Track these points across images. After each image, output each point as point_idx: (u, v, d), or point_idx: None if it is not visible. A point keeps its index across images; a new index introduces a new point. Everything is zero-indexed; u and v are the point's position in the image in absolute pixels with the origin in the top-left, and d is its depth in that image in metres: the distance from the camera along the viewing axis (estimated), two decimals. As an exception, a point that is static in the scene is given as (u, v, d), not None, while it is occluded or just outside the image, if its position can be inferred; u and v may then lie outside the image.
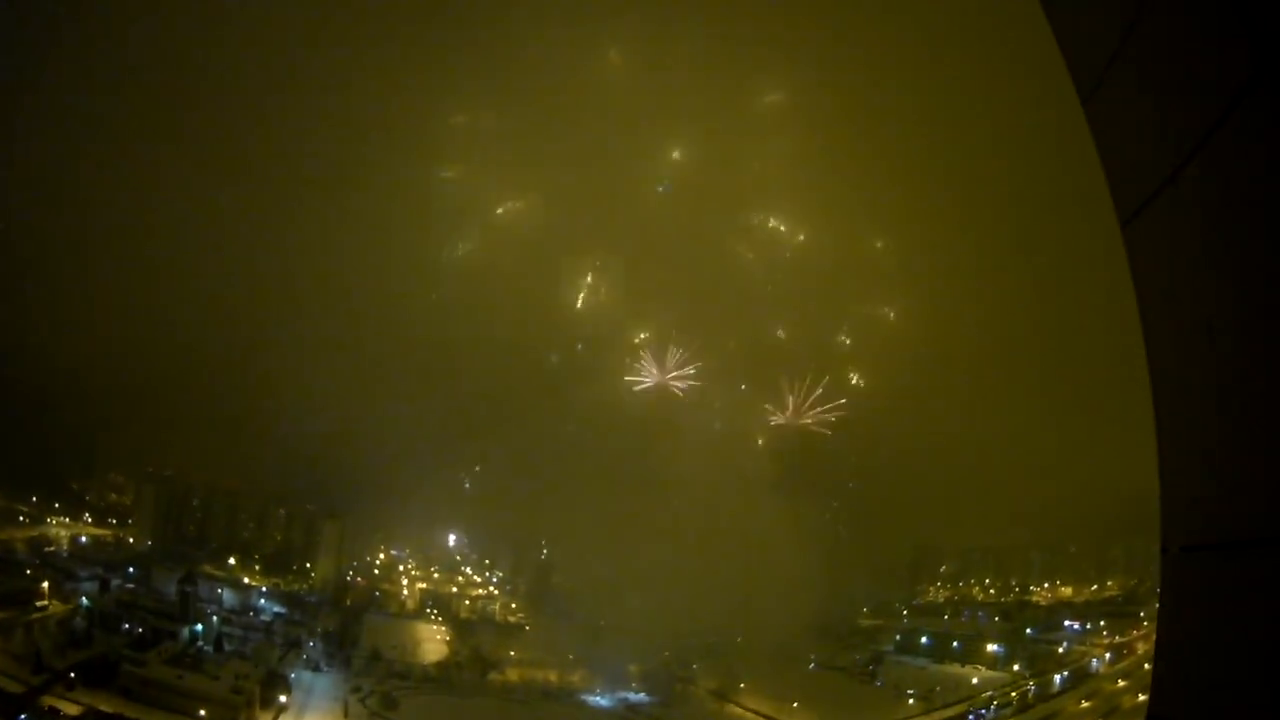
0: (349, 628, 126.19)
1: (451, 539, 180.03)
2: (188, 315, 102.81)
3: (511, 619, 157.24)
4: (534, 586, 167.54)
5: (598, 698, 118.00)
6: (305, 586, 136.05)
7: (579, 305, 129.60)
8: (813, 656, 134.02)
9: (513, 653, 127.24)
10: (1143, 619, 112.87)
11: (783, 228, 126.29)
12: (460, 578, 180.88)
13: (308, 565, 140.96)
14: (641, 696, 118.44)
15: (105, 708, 67.16)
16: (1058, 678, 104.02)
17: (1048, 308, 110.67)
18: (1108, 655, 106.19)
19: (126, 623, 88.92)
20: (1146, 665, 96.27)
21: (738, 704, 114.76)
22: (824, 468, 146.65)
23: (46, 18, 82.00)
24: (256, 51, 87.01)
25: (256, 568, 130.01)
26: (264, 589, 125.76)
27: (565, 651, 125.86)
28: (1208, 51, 3.38)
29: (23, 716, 60.49)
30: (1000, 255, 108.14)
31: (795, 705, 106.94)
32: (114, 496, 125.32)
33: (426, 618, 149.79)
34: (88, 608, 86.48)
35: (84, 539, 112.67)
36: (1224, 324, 3.40)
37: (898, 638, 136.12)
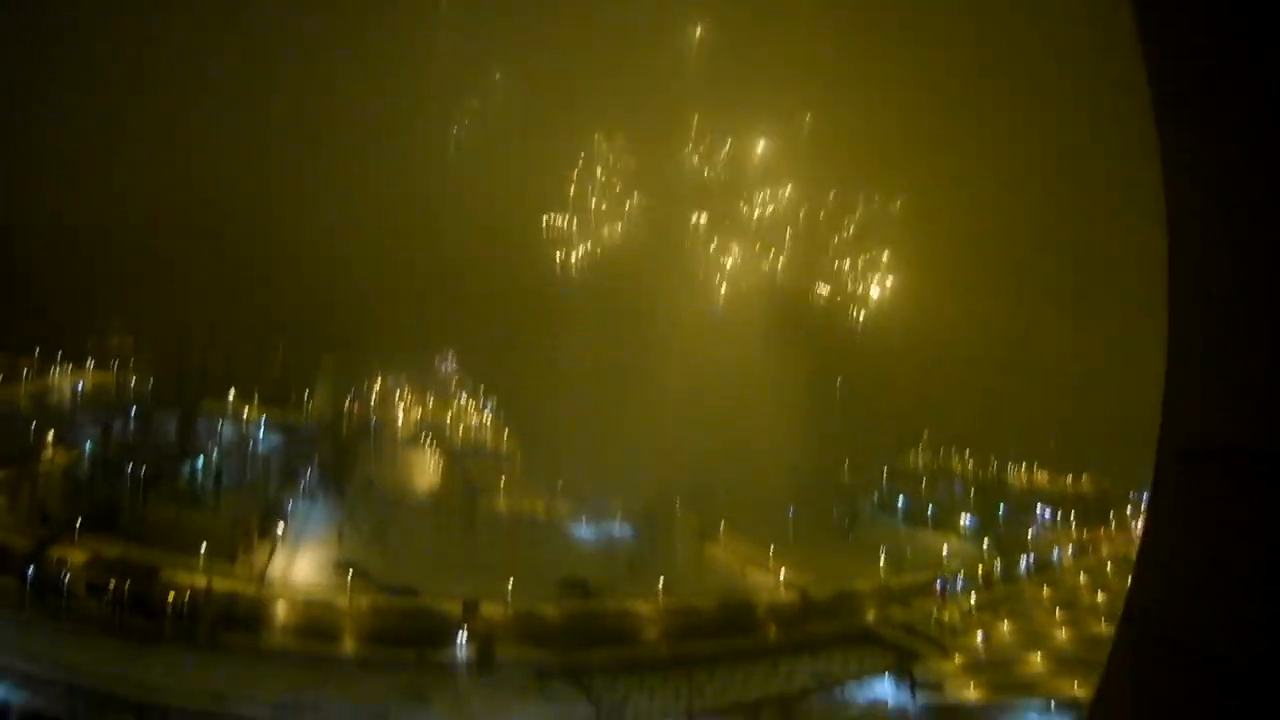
0: (345, 458, 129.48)
1: (446, 370, 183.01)
2: (185, 160, 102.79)
3: (503, 448, 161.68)
4: (526, 418, 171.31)
5: (583, 530, 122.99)
6: (302, 418, 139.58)
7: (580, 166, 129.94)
8: (792, 507, 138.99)
9: (503, 481, 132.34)
10: (1111, 522, 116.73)
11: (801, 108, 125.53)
12: (454, 408, 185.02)
13: (305, 397, 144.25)
14: (625, 531, 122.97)
15: (110, 552, 70.19)
16: (1023, 561, 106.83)
17: (1063, 207, 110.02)
18: (1071, 549, 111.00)
19: (129, 464, 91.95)
20: (1109, 566, 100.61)
21: (717, 547, 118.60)
22: (820, 332, 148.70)
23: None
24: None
25: (255, 402, 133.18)
26: (262, 422, 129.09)
27: (554, 482, 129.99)
28: None
29: (31, 569, 63.16)
30: (1013, 143, 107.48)
31: (771, 552, 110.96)
32: (114, 342, 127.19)
33: (420, 446, 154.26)
34: (90, 455, 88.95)
35: (87, 387, 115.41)
36: (1249, 233, 3.46)
37: (875, 498, 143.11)
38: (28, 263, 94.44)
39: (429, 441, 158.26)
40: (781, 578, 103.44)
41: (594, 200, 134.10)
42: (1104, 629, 79.33)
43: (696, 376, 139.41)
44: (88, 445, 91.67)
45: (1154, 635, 3.63)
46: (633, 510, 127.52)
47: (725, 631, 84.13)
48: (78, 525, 73.42)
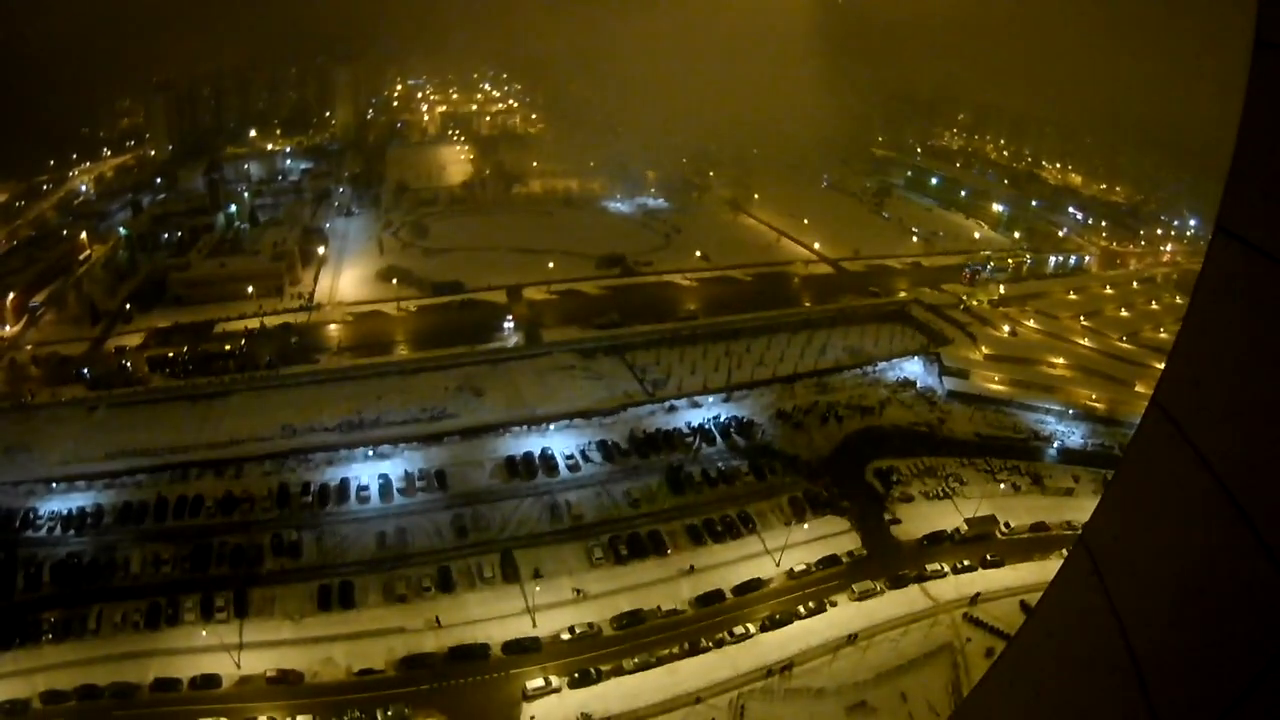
0: (374, 166, 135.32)
1: (466, 60, 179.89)
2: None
3: (532, 130, 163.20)
4: (552, 97, 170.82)
5: (618, 203, 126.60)
6: (327, 136, 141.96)
7: None
8: (826, 177, 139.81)
9: (535, 164, 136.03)
10: (1141, 237, 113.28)
11: None
12: (479, 95, 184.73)
13: (327, 116, 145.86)
14: (660, 202, 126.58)
15: (162, 323, 76.05)
16: (1052, 260, 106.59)
17: None
18: (1100, 257, 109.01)
19: (165, 233, 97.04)
20: (1134, 283, 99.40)
21: (750, 214, 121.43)
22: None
23: None
24: None
25: (278, 132, 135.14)
26: (288, 150, 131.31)
27: (585, 160, 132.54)
28: None
29: (94, 369, 66.44)
30: None
31: (805, 222, 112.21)
32: (126, 122, 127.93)
33: (449, 140, 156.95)
34: (126, 236, 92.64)
35: (108, 175, 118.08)
36: None
37: (909, 174, 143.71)
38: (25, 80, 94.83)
39: (456, 134, 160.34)
40: (815, 247, 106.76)
41: None
42: (1125, 347, 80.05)
43: (728, 44, 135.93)
44: (121, 230, 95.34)
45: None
46: (667, 182, 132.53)
47: (761, 304, 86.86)
48: (127, 309, 78.93)
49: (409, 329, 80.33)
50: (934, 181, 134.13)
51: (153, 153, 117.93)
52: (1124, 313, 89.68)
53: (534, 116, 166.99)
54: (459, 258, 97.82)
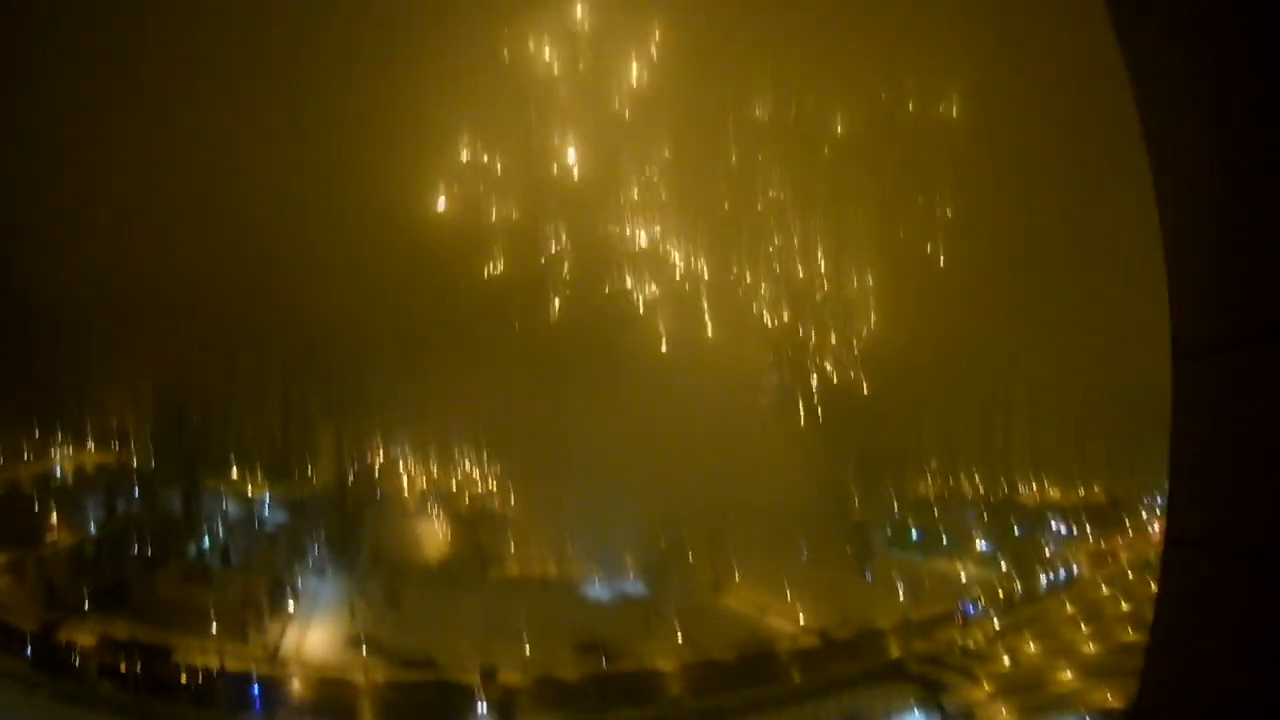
0: (351, 530, 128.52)
1: (448, 434, 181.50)
2: (176, 230, 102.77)
3: (510, 513, 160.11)
4: (531, 478, 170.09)
5: (597, 589, 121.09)
6: (306, 492, 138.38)
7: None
8: (805, 548, 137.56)
9: (513, 546, 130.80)
10: (1128, 528, 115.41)
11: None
12: (459, 472, 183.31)
13: (307, 470, 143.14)
14: (639, 587, 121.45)
15: (119, 633, 69.10)
16: (1043, 579, 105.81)
17: (1041, 211, 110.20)
18: (1090, 560, 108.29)
19: (135, 546, 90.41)
20: (1130, 574, 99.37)
21: (732, 595, 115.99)
22: (814, 363, 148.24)
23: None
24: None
25: (258, 477, 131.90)
26: (266, 498, 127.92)
27: (564, 545, 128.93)
28: None
29: (41, 651, 62.81)
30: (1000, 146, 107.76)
31: (788, 598, 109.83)
32: (114, 421, 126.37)
33: (426, 514, 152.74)
34: (95, 535, 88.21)
35: (88, 467, 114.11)
36: (1225, 112, 3.42)
37: (888, 531, 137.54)
38: (25, 339, 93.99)
39: (435, 509, 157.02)
40: (800, 620, 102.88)
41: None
42: (1132, 636, 78.84)
43: (693, 420, 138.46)
44: (92, 525, 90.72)
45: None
46: (645, 564, 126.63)
47: (748, 681, 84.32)
48: (86, 605, 72.46)
49: (375, 702, 76.51)
50: (913, 535, 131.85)
51: (134, 461, 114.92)
52: (1124, 605, 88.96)
53: (513, 501, 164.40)
54: (433, 633, 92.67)
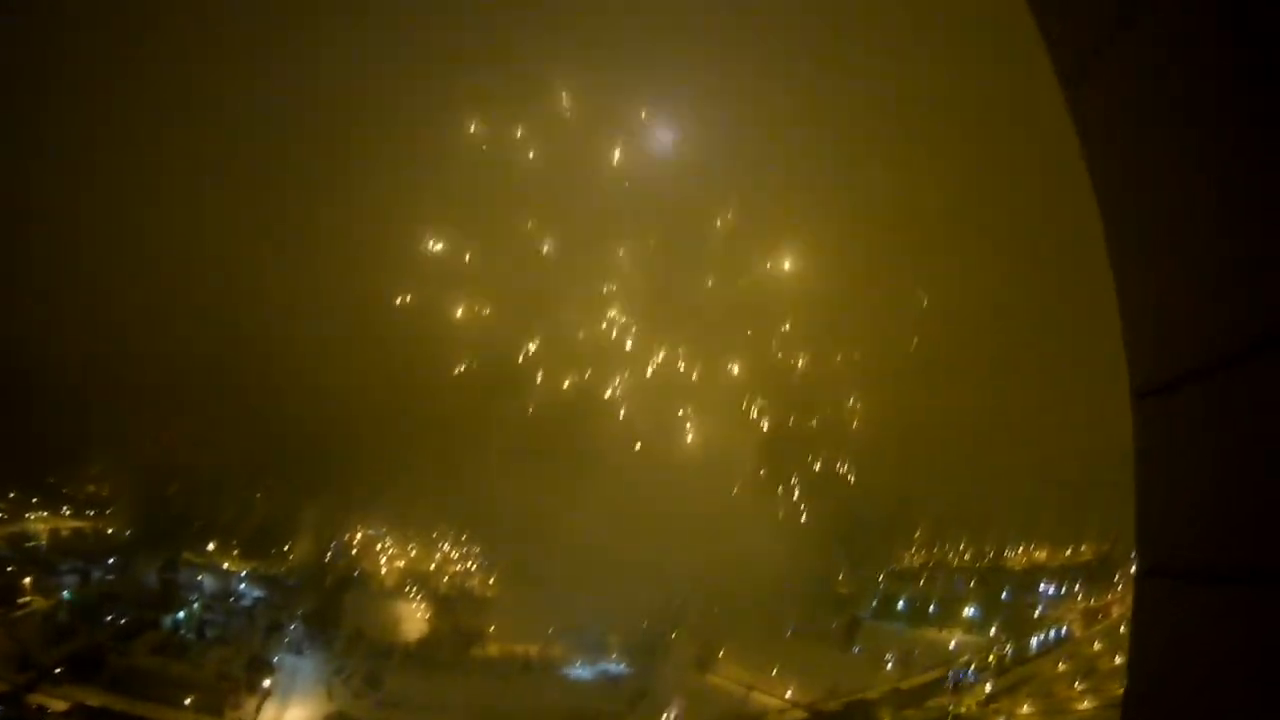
0: (330, 608, 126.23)
1: (428, 517, 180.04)
2: (160, 303, 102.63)
3: (490, 593, 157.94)
4: (512, 560, 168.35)
5: (579, 670, 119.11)
6: (285, 569, 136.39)
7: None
8: (791, 623, 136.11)
9: (493, 627, 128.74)
10: (1117, 583, 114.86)
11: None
12: (438, 554, 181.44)
13: (286, 548, 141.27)
14: (622, 668, 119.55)
15: (92, 701, 67.23)
16: (1034, 640, 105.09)
17: (1023, 277, 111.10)
18: (1082, 618, 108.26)
19: (109, 614, 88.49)
20: (1122, 629, 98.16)
21: (718, 673, 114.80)
22: (793, 438, 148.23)
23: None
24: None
25: (236, 552, 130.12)
26: (244, 573, 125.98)
27: (545, 625, 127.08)
28: None
29: (11, 715, 60.94)
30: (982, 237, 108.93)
31: (774, 673, 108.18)
32: (92, 488, 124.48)
33: (406, 595, 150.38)
34: (70, 601, 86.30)
35: (63, 532, 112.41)
36: (1175, 174, 3.59)
37: (874, 603, 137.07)
38: (4, 404, 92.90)
39: (414, 590, 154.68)
40: (788, 695, 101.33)
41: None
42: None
43: (674, 501, 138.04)
44: (66, 593, 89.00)
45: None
46: (628, 644, 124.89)
47: None
48: (58, 670, 70.55)
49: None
50: (900, 605, 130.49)
51: (111, 530, 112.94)
52: (1118, 659, 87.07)
53: (493, 580, 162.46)
54: (413, 713, 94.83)
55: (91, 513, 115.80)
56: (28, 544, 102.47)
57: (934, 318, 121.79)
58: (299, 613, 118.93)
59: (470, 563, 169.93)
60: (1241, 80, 3.16)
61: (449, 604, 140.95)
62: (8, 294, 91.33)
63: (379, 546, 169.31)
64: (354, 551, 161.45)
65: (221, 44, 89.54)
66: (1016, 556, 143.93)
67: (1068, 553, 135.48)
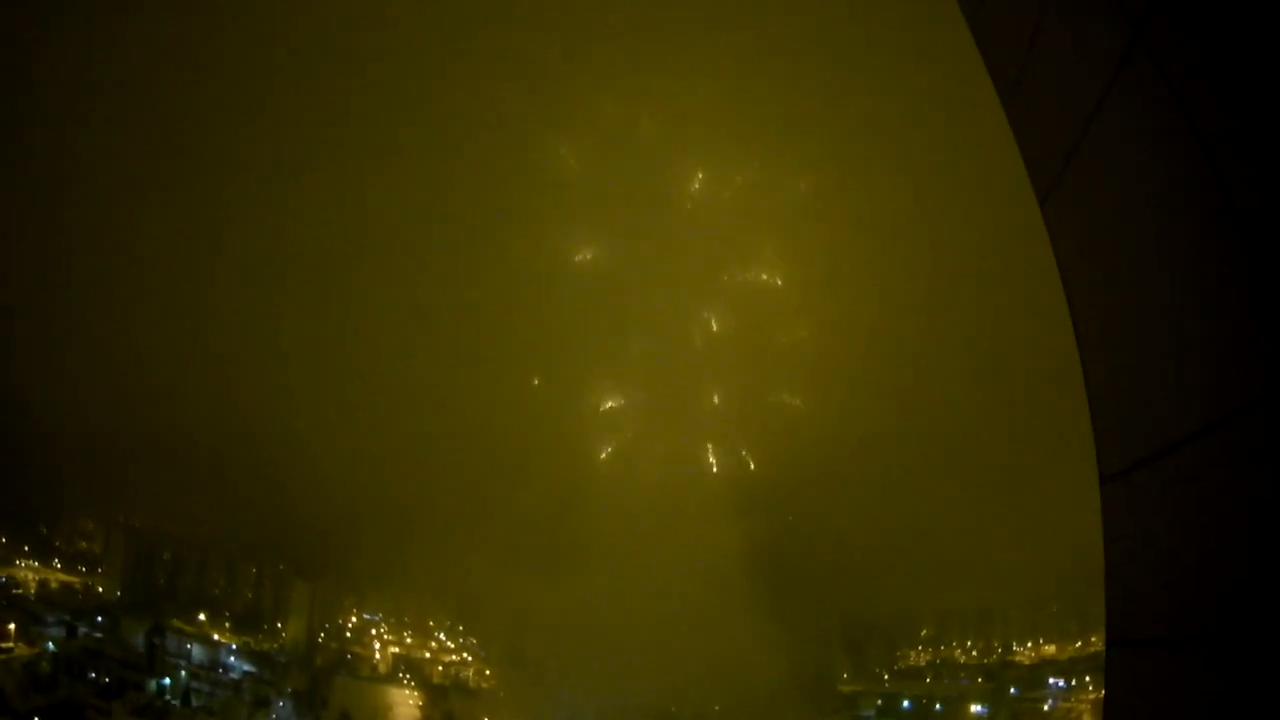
0: (319, 689, 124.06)
1: (423, 606, 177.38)
2: (166, 366, 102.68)
3: (484, 685, 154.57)
4: (507, 653, 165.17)
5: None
6: (275, 645, 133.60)
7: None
8: None
9: (486, 718, 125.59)
10: None
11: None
12: (433, 643, 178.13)
13: (278, 625, 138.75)
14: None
15: None
16: None
17: (1015, 367, 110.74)
18: (1091, 710, 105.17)
19: (93, 671, 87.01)
20: None
21: None
22: (795, 536, 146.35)
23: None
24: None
25: (226, 624, 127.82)
26: (233, 646, 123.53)
27: (540, 717, 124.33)
28: (1094, 25, 3.88)
29: None
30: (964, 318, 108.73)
31: None
32: (83, 544, 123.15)
33: (398, 681, 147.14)
34: (54, 653, 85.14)
35: (52, 584, 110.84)
36: (1142, 277, 3.79)
37: (879, 702, 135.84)
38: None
39: (407, 677, 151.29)
40: None
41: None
42: None
43: (672, 599, 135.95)
44: (50, 645, 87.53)
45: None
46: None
47: None
48: None
49: None
50: (906, 705, 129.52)
51: (100, 588, 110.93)
52: None
53: (487, 672, 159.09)
54: None
55: (83, 569, 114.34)
56: (15, 590, 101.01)
57: (938, 414, 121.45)
58: (288, 690, 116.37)
59: (465, 655, 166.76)
60: (1194, 181, 3.32)
61: (442, 693, 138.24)
62: (49, 352, 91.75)
63: (374, 631, 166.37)
64: (348, 634, 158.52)
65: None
66: (1025, 652, 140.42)
67: (1077, 645, 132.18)
